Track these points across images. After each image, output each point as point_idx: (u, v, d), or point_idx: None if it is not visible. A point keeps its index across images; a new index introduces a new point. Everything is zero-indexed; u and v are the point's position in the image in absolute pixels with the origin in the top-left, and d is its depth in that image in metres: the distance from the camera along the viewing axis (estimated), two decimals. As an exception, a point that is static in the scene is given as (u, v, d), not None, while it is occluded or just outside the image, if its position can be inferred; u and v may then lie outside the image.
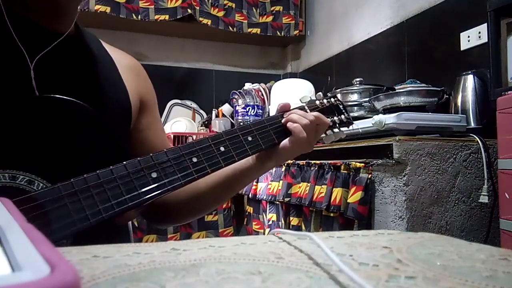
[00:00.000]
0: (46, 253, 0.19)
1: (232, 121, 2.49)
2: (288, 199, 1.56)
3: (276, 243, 0.36)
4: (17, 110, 0.54)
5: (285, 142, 0.70)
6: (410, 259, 0.31)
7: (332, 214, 1.36)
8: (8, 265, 0.19)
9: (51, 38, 0.61)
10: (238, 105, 2.35)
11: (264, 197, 1.77)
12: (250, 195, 1.91)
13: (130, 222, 0.76)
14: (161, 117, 2.55)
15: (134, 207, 0.51)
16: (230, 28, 2.65)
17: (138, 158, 0.54)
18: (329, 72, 2.56)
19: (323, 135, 0.77)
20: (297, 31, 2.81)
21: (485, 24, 1.43)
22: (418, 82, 1.58)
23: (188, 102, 2.72)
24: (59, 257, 0.19)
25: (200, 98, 2.77)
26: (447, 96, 1.48)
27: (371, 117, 1.30)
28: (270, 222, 1.74)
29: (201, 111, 2.73)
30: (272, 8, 2.78)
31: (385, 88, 1.67)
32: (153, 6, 2.41)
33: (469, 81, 1.45)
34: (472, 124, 1.41)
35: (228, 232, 2.15)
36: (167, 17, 2.42)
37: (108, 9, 2.30)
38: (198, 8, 2.50)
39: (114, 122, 0.66)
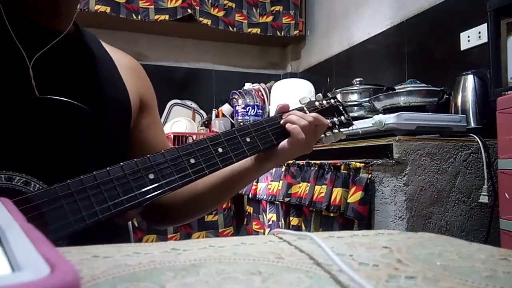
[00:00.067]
0: (46, 253, 0.19)
1: (232, 121, 2.49)
2: (288, 199, 1.56)
3: (276, 243, 0.36)
4: (15, 111, 0.54)
5: (284, 143, 0.69)
6: (410, 259, 0.31)
7: (332, 214, 1.36)
8: (8, 265, 0.19)
9: (50, 37, 0.61)
10: (238, 105, 2.35)
11: (264, 197, 1.77)
12: (250, 195, 1.91)
13: (130, 222, 0.76)
14: (161, 117, 2.55)
15: (131, 208, 0.51)
16: (230, 28, 2.66)
17: (135, 159, 0.54)
18: (329, 72, 2.56)
19: (322, 136, 0.77)
20: (297, 31, 2.81)
21: (485, 24, 1.43)
22: (418, 82, 1.58)
23: (188, 102, 2.72)
24: (59, 257, 0.19)
25: (200, 98, 2.77)
26: (447, 96, 1.48)
27: (371, 117, 1.30)
28: (270, 222, 1.74)
29: (201, 111, 2.73)
30: (272, 8, 2.78)
31: (385, 88, 1.67)
32: (153, 6, 2.41)
33: (469, 81, 1.45)
34: (472, 124, 1.41)
35: (228, 232, 2.15)
36: (167, 17, 2.42)
37: (108, 9, 2.30)
38: (198, 8, 2.50)
39: (114, 122, 0.66)
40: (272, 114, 0.86)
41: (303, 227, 1.52)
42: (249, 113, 2.31)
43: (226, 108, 2.55)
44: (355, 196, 1.25)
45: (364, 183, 1.24)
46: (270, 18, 2.77)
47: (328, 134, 0.78)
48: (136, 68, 0.77)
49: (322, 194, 1.36)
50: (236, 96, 2.42)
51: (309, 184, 1.46)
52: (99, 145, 0.59)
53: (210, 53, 2.84)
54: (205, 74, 2.82)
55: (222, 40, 2.84)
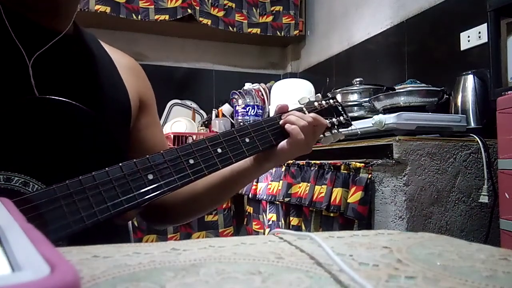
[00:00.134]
0: (46, 253, 0.19)
1: (232, 121, 2.49)
2: (288, 199, 1.56)
3: (276, 243, 0.36)
4: (14, 111, 0.53)
5: (283, 143, 0.70)
6: (410, 259, 0.31)
7: (332, 214, 1.36)
8: (8, 265, 0.19)
9: (50, 37, 0.61)
10: (238, 105, 2.35)
11: (264, 197, 1.77)
12: (250, 195, 1.91)
13: (130, 222, 0.76)
14: (161, 117, 2.55)
15: (130, 209, 0.51)
16: (230, 28, 2.66)
17: (135, 160, 0.54)
18: (329, 72, 2.56)
19: (321, 136, 0.77)
20: (297, 31, 2.81)
21: (485, 24, 1.43)
22: (418, 82, 1.58)
23: (188, 102, 2.72)
24: (59, 257, 0.19)
25: (200, 98, 2.77)
26: (447, 96, 1.48)
27: (371, 117, 1.30)
28: (270, 222, 1.74)
29: (201, 111, 2.73)
30: (272, 8, 2.78)
31: (385, 88, 1.67)
32: (153, 6, 2.41)
33: (469, 81, 1.45)
34: (472, 124, 1.41)
35: (228, 232, 2.15)
36: (167, 17, 2.42)
37: (108, 9, 2.30)
38: (198, 8, 2.50)
39: (114, 122, 0.66)
40: (272, 114, 0.86)
41: (303, 227, 1.52)
42: (249, 113, 2.31)
43: (226, 108, 2.54)
44: (355, 196, 1.25)
45: (364, 183, 1.24)
46: (270, 18, 2.77)
47: (327, 134, 0.78)
48: (135, 68, 0.77)
49: (322, 194, 1.36)
50: (236, 96, 2.42)
51: (309, 184, 1.46)
52: (99, 145, 0.59)
53: (210, 53, 2.84)
54: (205, 74, 2.82)
55: (222, 40, 2.84)
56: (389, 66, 2.08)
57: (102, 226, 0.49)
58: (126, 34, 2.58)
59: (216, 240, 0.36)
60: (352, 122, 0.82)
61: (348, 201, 1.27)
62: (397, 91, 1.45)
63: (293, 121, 0.70)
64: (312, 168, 1.47)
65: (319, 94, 0.81)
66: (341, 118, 0.79)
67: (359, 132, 1.30)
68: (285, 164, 1.62)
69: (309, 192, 1.44)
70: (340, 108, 0.81)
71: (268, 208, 1.77)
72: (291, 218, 1.59)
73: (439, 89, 1.43)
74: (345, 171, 1.32)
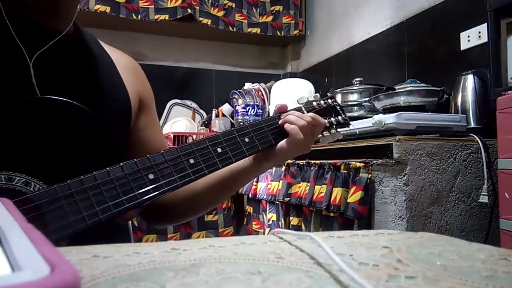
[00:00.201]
0: (46, 253, 0.19)
1: (232, 121, 2.49)
2: (288, 199, 1.56)
3: (276, 243, 0.36)
4: (15, 111, 0.54)
5: (282, 143, 0.70)
6: (410, 259, 0.31)
7: (332, 214, 1.36)
8: (8, 265, 0.19)
9: (50, 37, 0.61)
10: (238, 105, 2.35)
11: (264, 197, 1.77)
12: (250, 195, 1.91)
13: (130, 222, 0.76)
14: (161, 117, 2.55)
15: (131, 208, 0.51)
16: (230, 28, 2.65)
17: (135, 160, 0.54)
18: (329, 72, 2.56)
19: (320, 136, 0.77)
20: (297, 31, 2.81)
21: (485, 24, 1.43)
22: (418, 82, 1.58)
23: (188, 102, 2.72)
24: (59, 257, 0.19)
25: (200, 98, 2.77)
26: (447, 96, 1.48)
27: (371, 117, 1.30)
28: (270, 222, 1.74)
29: (201, 111, 2.73)
30: (272, 8, 2.78)
31: (385, 88, 1.67)
32: (153, 6, 2.41)
33: (469, 81, 1.45)
34: (472, 124, 1.41)
35: (228, 232, 2.15)
36: (167, 17, 2.42)
37: (108, 9, 2.30)
38: (198, 8, 2.50)
39: (114, 122, 0.66)
40: (272, 114, 0.87)
41: (303, 227, 1.52)
42: (249, 113, 2.31)
43: (226, 108, 2.55)
44: (355, 196, 1.25)
45: (364, 183, 1.24)
46: (270, 18, 2.77)
47: (325, 134, 0.78)
48: (135, 68, 0.77)
49: (322, 194, 1.36)
50: (236, 96, 2.42)
51: (309, 184, 1.46)
52: (99, 145, 0.59)
53: (210, 53, 2.84)
54: (205, 74, 2.82)
55: (222, 40, 2.84)
56: (389, 66, 2.08)
57: (102, 226, 0.49)
58: (126, 34, 2.57)
59: (216, 240, 0.36)
60: (351, 122, 0.82)
61: (348, 201, 1.27)
62: (397, 91, 1.45)
63: (292, 121, 0.70)
64: (312, 168, 1.47)
65: (317, 94, 0.81)
66: (340, 117, 0.80)
67: (357, 132, 1.30)
68: (285, 164, 1.62)
69: (309, 192, 1.44)
70: (338, 108, 0.81)
71: (268, 208, 1.77)
72: (291, 218, 1.59)
73: (439, 89, 1.43)
74: (345, 171, 1.32)
